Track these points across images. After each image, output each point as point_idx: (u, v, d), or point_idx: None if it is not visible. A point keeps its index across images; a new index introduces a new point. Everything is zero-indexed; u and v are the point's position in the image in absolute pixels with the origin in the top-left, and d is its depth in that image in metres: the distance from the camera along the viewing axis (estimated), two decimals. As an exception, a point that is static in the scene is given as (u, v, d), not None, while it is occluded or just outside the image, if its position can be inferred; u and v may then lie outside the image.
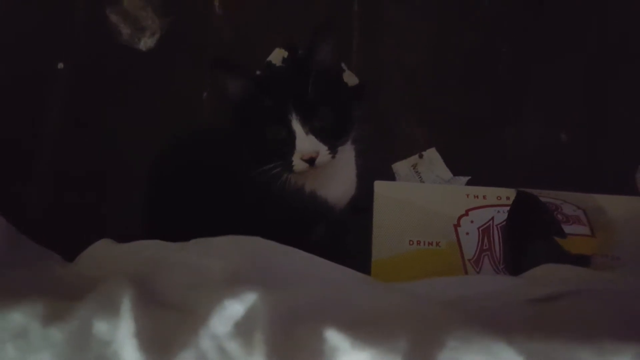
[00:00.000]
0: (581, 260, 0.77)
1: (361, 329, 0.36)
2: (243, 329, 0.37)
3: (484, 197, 0.86)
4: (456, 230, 0.84)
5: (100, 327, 0.39)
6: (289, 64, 0.75)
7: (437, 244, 0.84)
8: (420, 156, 1.07)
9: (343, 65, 1.09)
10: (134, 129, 1.09)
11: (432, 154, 1.07)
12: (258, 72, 0.78)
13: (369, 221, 0.89)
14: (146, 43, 1.17)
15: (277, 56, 1.11)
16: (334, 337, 0.36)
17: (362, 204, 0.91)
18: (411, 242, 0.84)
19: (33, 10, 1.20)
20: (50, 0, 1.23)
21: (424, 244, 0.84)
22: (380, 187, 0.90)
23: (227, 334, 0.37)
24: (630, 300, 0.40)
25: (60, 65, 1.17)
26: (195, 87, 1.13)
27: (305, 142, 0.67)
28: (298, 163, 0.69)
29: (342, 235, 0.84)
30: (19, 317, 0.39)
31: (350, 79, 1.10)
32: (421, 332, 0.37)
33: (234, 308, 0.38)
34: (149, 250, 0.50)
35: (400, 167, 1.06)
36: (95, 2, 1.19)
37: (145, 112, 1.10)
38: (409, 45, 1.15)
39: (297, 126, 0.67)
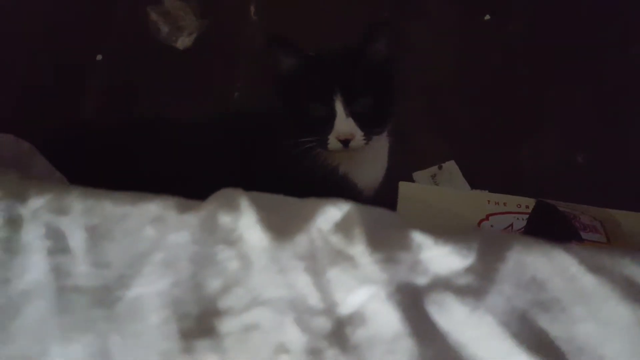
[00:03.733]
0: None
1: (440, 234, 0.42)
2: (343, 226, 0.43)
3: (505, 204, 0.88)
4: (477, 233, 0.85)
5: (224, 218, 0.44)
6: (343, 50, 0.78)
7: (458, 246, 0.84)
8: (440, 167, 1.09)
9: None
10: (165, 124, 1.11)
11: (451, 166, 1.10)
12: (311, 53, 0.81)
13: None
14: (183, 42, 1.21)
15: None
16: (419, 236, 0.42)
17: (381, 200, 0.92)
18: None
19: (78, 4, 1.24)
20: None
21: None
22: (405, 187, 0.91)
23: (329, 230, 0.43)
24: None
25: (99, 57, 1.19)
26: (228, 87, 1.15)
27: (344, 124, 0.70)
28: (333, 142, 0.71)
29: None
30: (154, 207, 0.44)
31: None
32: (491, 237, 0.42)
33: (333, 212, 0.44)
34: None
35: (420, 176, 1.08)
36: (138, 1, 1.22)
37: (177, 109, 1.13)
38: (433, 63, 1.18)
39: (339, 107, 0.70)
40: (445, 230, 0.40)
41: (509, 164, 1.10)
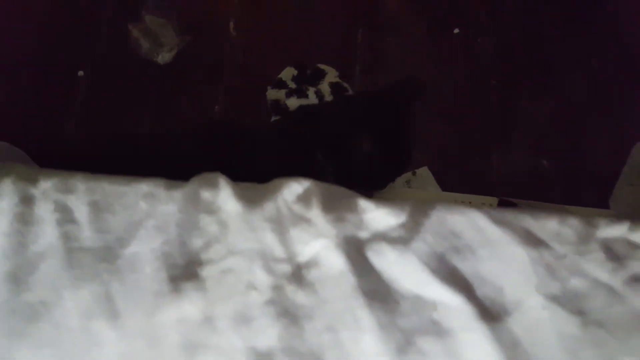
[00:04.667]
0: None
1: (381, 201, 0.56)
2: (303, 198, 0.58)
3: (470, 202, 1.02)
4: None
5: (205, 194, 0.58)
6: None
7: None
8: (414, 173, 1.23)
9: (346, 84, 1.27)
10: (145, 139, 1.24)
11: (424, 172, 1.24)
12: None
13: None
14: (164, 57, 1.36)
15: (288, 74, 1.30)
16: (364, 202, 0.58)
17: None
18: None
19: (60, 21, 1.39)
20: (77, 12, 1.43)
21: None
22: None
23: (292, 201, 0.57)
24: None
25: (81, 73, 1.33)
26: (209, 101, 1.30)
27: None
28: None
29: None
30: (146, 186, 0.59)
31: (352, 99, 1.28)
32: (420, 203, 0.57)
33: (296, 187, 0.59)
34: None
35: (396, 181, 1.22)
36: (119, 18, 1.37)
37: (158, 122, 1.27)
38: (405, 75, 1.33)
39: None
40: (389, 199, 0.54)
41: (479, 170, 1.25)
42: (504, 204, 1.01)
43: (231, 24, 1.42)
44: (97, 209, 0.57)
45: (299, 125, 0.94)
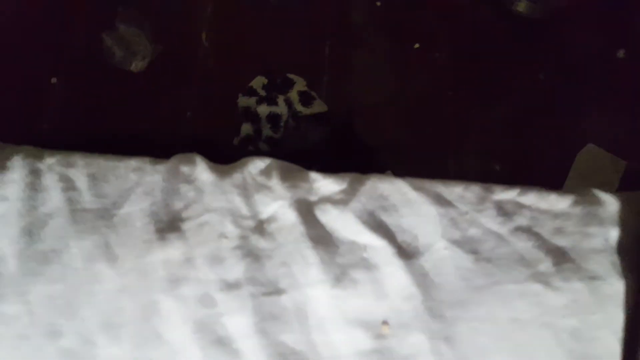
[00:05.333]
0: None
1: (329, 175, 0.76)
2: (265, 171, 0.79)
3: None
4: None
5: (184, 168, 0.78)
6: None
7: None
8: (377, 177, 1.43)
9: (314, 93, 1.48)
10: (121, 143, 1.40)
11: (388, 176, 1.44)
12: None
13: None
14: (137, 65, 1.54)
15: (258, 82, 1.51)
16: (314, 175, 0.81)
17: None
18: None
19: (33, 28, 1.57)
20: (51, 21, 1.60)
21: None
22: None
23: (256, 173, 0.79)
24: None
25: (54, 80, 1.51)
26: (181, 107, 1.48)
27: None
28: None
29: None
30: (134, 162, 0.78)
31: (320, 106, 1.49)
32: (359, 175, 0.76)
33: (260, 163, 0.80)
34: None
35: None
36: (93, 26, 1.55)
37: (132, 128, 1.46)
38: (370, 86, 1.55)
39: None
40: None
41: (437, 173, 1.44)
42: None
43: (203, 34, 1.61)
44: (94, 179, 0.77)
45: None
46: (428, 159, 1.50)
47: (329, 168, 1.19)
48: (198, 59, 1.59)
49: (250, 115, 1.51)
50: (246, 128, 1.51)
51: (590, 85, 1.56)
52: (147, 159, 0.79)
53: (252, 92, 1.54)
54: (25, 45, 1.55)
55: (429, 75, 1.61)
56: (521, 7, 1.62)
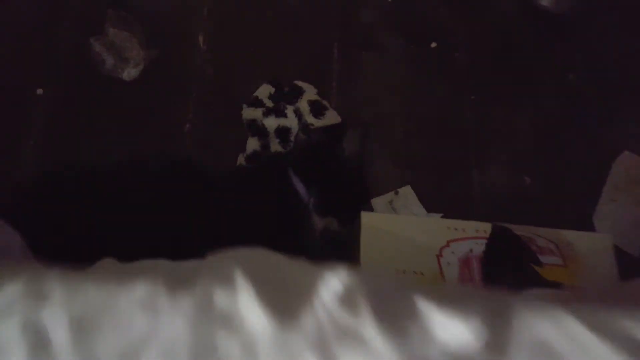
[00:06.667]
0: (556, 287, 0.94)
1: (443, 301, 0.50)
2: (346, 299, 0.50)
3: (463, 229, 1.08)
4: (439, 261, 1.02)
5: (221, 299, 0.50)
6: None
7: (421, 273, 1.01)
8: (396, 193, 1.31)
9: (325, 102, 1.32)
10: (113, 158, 1.25)
11: (407, 191, 1.31)
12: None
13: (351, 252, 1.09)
14: (130, 73, 1.37)
15: (264, 91, 1.35)
16: (422, 302, 0.50)
17: (340, 236, 1.14)
18: (397, 272, 1.00)
19: (16, 36, 1.36)
20: (35, 27, 1.45)
21: (410, 273, 1.00)
22: (367, 217, 1.06)
23: (335, 305, 0.50)
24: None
25: (40, 91, 1.34)
26: (178, 119, 1.32)
27: None
28: None
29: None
30: (142, 289, 0.50)
31: (333, 118, 1.33)
32: (494, 305, 0.52)
33: (334, 283, 0.51)
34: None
35: (378, 202, 1.29)
36: (80, 32, 1.38)
37: (125, 142, 1.31)
38: (384, 92, 1.40)
39: None
40: (446, 294, 0.51)
41: (461, 187, 1.33)
42: (498, 230, 1.07)
43: (201, 38, 1.44)
44: (80, 328, 0.47)
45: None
46: (449, 171, 1.38)
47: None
48: (195, 65, 1.42)
49: (257, 129, 1.35)
50: (252, 143, 1.36)
51: (624, 86, 1.44)
52: (160, 281, 0.50)
53: (257, 103, 1.39)
54: (7, 54, 1.41)
55: (447, 77, 1.47)
56: (546, 1, 1.49)
